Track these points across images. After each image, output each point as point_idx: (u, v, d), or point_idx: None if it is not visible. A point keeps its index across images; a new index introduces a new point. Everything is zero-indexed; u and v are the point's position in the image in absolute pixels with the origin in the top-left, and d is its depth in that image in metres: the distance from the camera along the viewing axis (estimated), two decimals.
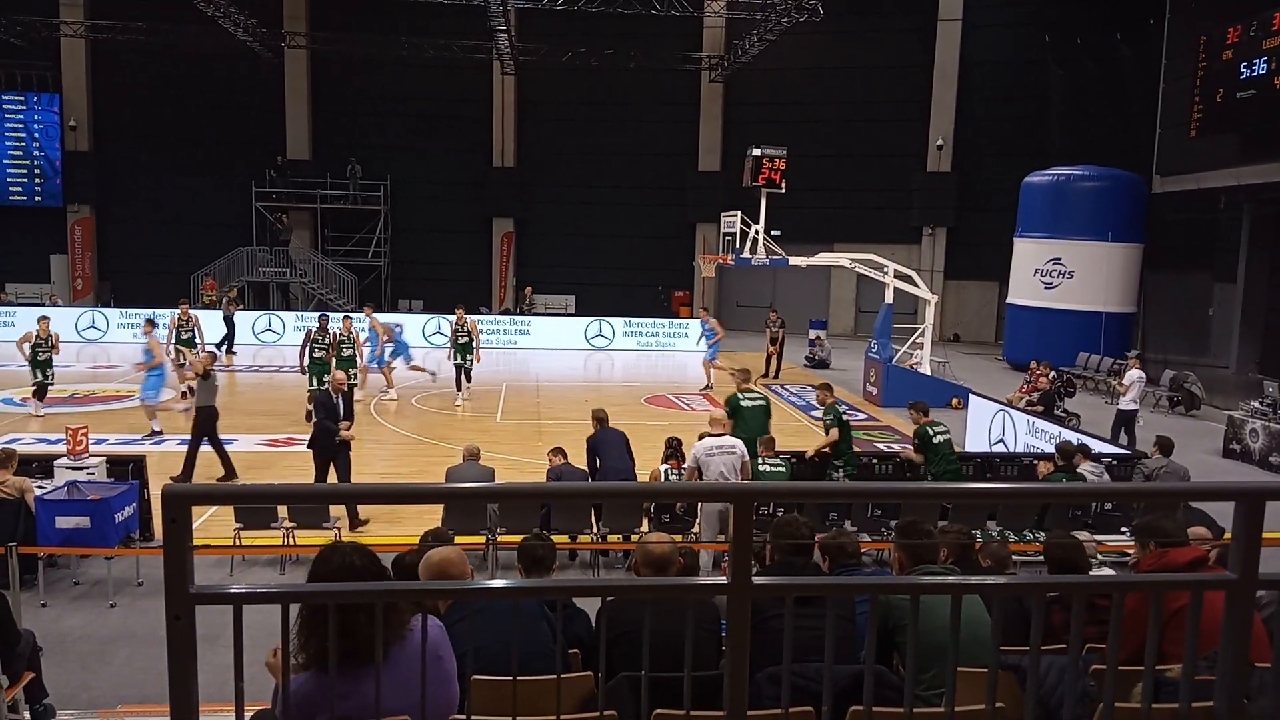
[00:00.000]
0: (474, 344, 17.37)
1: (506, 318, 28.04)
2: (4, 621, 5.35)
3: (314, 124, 30.92)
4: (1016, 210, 24.44)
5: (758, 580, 2.08)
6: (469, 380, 17.60)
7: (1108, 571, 7.23)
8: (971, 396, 16.03)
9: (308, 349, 15.52)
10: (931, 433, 10.21)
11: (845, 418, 10.91)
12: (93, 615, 8.06)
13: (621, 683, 3.31)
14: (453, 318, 18.22)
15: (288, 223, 30.33)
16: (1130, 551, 7.73)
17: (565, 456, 9.58)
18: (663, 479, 9.83)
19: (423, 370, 18.58)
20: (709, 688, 2.98)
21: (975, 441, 14.50)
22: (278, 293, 29.61)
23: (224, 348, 22.74)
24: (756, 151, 20.07)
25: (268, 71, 29.82)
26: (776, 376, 21.65)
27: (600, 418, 10.33)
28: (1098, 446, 11.33)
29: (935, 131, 30.04)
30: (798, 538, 4.32)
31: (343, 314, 16.52)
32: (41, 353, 15.37)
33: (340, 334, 15.74)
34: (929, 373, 19.39)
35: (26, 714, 5.58)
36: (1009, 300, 25.07)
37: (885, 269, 19.43)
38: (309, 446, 10.64)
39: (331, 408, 10.44)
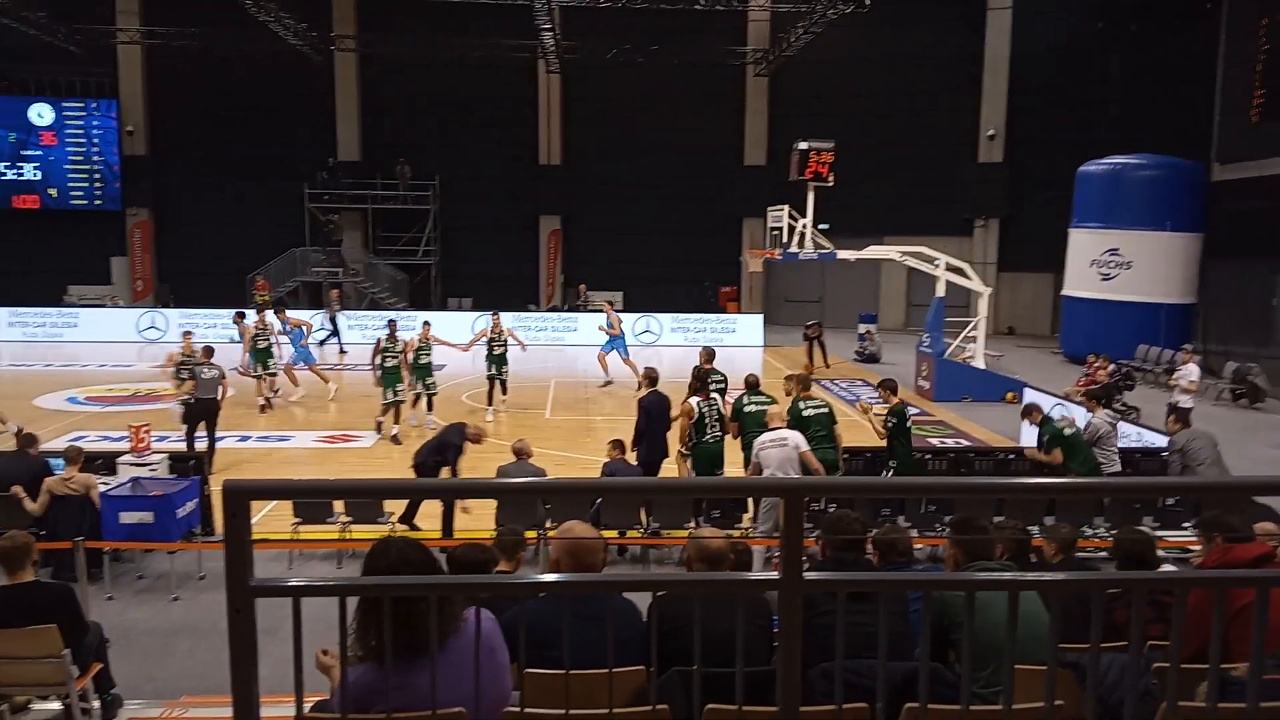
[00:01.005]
0: (505, 352, 16.23)
1: (554, 314, 28.20)
2: (73, 614, 5.50)
3: (363, 125, 31.32)
4: (1071, 200, 23.96)
5: (809, 575, 2.07)
6: (504, 393, 16.34)
7: (1170, 568, 7.07)
8: (1027, 390, 15.77)
9: (379, 358, 14.47)
10: (906, 414, 10.16)
11: (910, 424, 10.52)
12: (156, 608, 8.28)
13: (673, 677, 3.31)
14: (487, 322, 17.34)
15: (339, 223, 30.78)
16: (1195, 547, 7.56)
17: (623, 450, 9.61)
18: (695, 413, 9.89)
19: (326, 381, 17.36)
20: (761, 683, 2.97)
21: (1031, 436, 14.24)
22: (330, 292, 30.06)
23: (327, 345, 23.49)
24: (803, 145, 19.91)
25: (318, 74, 30.26)
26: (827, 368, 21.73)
27: (652, 378, 10.47)
28: (1158, 441, 11.08)
29: (986, 121, 29.57)
30: (850, 533, 4.29)
31: (422, 320, 15.51)
32: (185, 370, 13.12)
33: (419, 340, 14.95)
34: (982, 366, 19.10)
35: (95, 703, 5.73)
36: (1065, 292, 24.59)
37: (936, 262, 19.18)
38: (415, 470, 9.81)
39: (459, 449, 9.91)
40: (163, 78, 30.65)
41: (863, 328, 24.55)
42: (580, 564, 3.74)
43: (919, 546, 9.16)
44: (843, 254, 20.00)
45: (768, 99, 31.09)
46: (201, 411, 12.49)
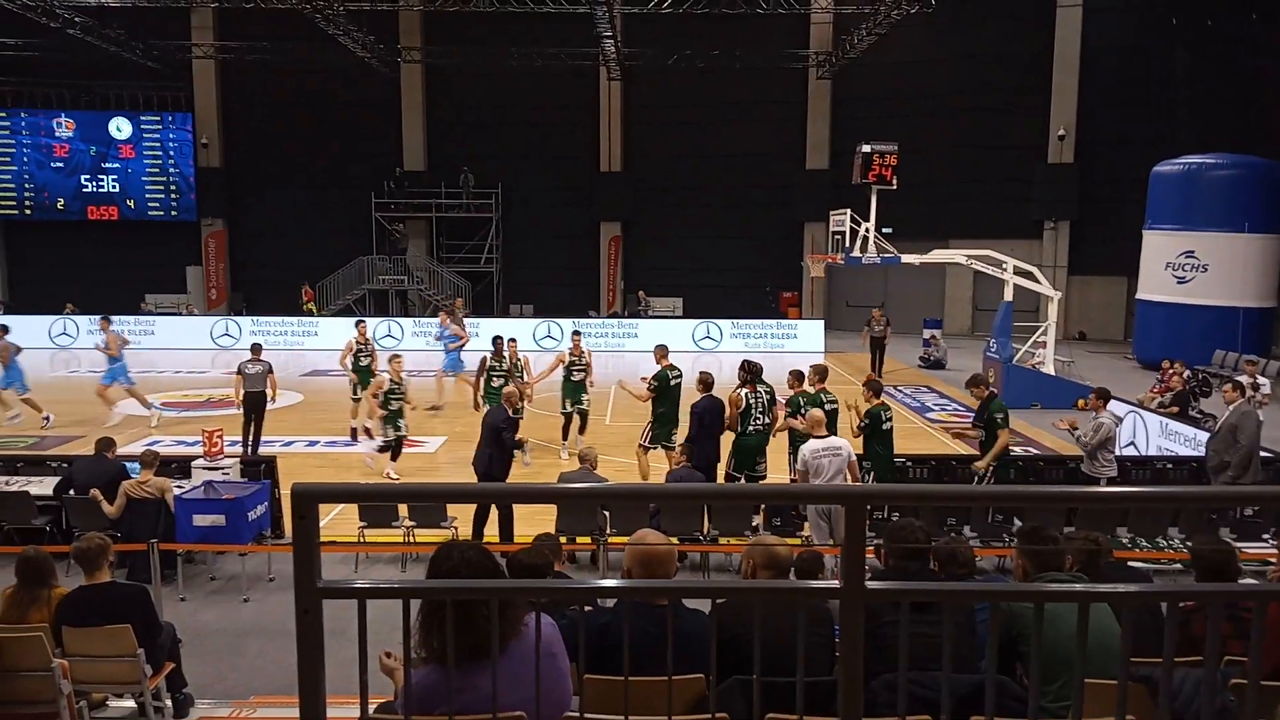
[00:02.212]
0: (525, 376, 14.29)
1: (615, 321, 28.31)
2: (147, 614, 5.64)
3: (428, 135, 31.85)
4: (1145, 202, 23.31)
5: (871, 585, 2.04)
6: (583, 430, 14.27)
7: (1251, 581, 6.82)
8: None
9: (483, 378, 13.78)
10: (883, 417, 9.83)
11: (888, 426, 10.11)
12: (227, 609, 8.48)
13: (733, 685, 3.29)
14: (564, 346, 16.05)
15: (405, 231, 31.31)
16: (1275, 560, 7.29)
17: (690, 457, 9.59)
18: (742, 403, 10.00)
19: (147, 405, 15.95)
20: (822, 693, 2.94)
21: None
22: (396, 300, 30.61)
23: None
24: (866, 148, 19.70)
25: (385, 86, 30.85)
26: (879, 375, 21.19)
27: (706, 382, 10.49)
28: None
29: (1056, 121, 28.93)
30: (913, 542, 4.22)
31: (507, 337, 14.28)
32: (395, 400, 12.29)
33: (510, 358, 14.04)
34: (1052, 372, 18.68)
35: (168, 701, 5.87)
36: (1138, 296, 23.91)
37: (1004, 265, 18.81)
38: (484, 475, 9.82)
39: (514, 424, 10.09)
40: (236, 91, 31.57)
41: (927, 333, 24.17)
42: (652, 573, 3.73)
43: (985, 557, 9.00)
44: (907, 258, 19.73)
45: (830, 102, 30.85)
46: (250, 405, 13.32)
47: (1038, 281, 18.94)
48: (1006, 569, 8.74)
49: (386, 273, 30.41)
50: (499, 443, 9.76)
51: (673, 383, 11.72)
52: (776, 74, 29.67)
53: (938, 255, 20.40)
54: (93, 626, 5.30)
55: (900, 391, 19.49)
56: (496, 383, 13.50)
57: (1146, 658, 3.17)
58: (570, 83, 30.53)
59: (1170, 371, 16.40)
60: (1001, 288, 18.99)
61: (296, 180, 31.22)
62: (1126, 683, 2.08)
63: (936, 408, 18.06)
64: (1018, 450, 14.15)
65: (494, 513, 9.55)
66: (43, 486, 9.74)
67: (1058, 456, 12.68)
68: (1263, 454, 11.34)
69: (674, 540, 6.34)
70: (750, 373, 10.47)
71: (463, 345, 17.98)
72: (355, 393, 14.76)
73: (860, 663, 2.04)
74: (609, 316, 29.69)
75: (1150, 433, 13.03)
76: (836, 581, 2.04)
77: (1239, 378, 12.85)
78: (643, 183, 31.51)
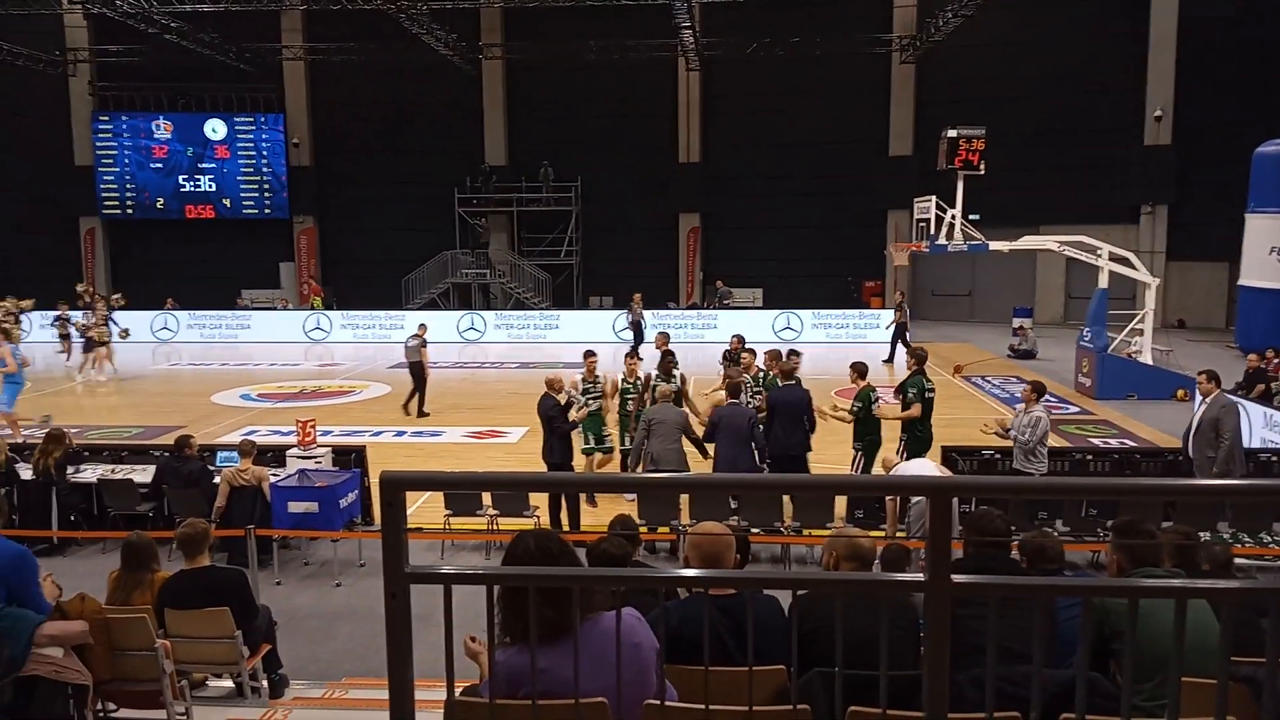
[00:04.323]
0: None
1: (694, 311, 28.28)
2: (244, 597, 5.84)
3: (509, 130, 32.21)
4: (1247, 184, 22.26)
5: (957, 578, 2.00)
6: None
7: None
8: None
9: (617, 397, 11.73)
10: (872, 398, 10.03)
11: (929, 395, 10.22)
12: (320, 593, 8.75)
13: (815, 678, 3.27)
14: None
15: (487, 225, 31.77)
16: None
17: (737, 395, 9.80)
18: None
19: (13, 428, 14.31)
20: (906, 687, 2.89)
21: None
22: (479, 293, 31.10)
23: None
24: (952, 133, 19.24)
25: (466, 82, 31.30)
26: (890, 361, 21.51)
27: (786, 370, 10.42)
28: None
29: (1153, 102, 27.83)
30: (992, 532, 4.12)
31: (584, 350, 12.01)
32: (593, 398, 11.09)
33: (624, 377, 11.82)
34: (1150, 362, 18.01)
35: (264, 682, 6.06)
36: (1241, 282, 22.85)
37: (1099, 251, 18.19)
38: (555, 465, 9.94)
39: (564, 410, 10.07)
40: (324, 91, 32.41)
41: (1017, 322, 23.54)
42: (709, 564, 3.73)
43: (1078, 552, 8.75)
44: (995, 245, 19.22)
45: (914, 87, 30.22)
46: (411, 373, 16.31)
47: (1134, 268, 18.26)
48: (1101, 564, 8.48)
49: (469, 266, 30.90)
50: (554, 430, 9.93)
51: (873, 402, 10.25)
52: (858, 59, 29.19)
53: (1028, 242, 19.80)
54: (193, 609, 5.51)
55: (988, 382, 19.04)
56: (594, 404, 11.10)
57: (1248, 656, 3.05)
58: (649, 74, 30.51)
59: (1275, 361, 15.67)
60: (1096, 275, 18.38)
61: (382, 177, 31.92)
62: (1227, 682, 2.01)
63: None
64: (1113, 442, 13.74)
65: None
66: (146, 474, 10.18)
67: (1155, 448, 12.25)
68: None
69: (745, 530, 6.32)
70: (859, 373, 10.40)
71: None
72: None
73: (946, 657, 2.01)
74: (688, 308, 29.65)
75: (1254, 424, 12.46)
76: (921, 575, 2.01)
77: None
78: (722, 173, 31.35)
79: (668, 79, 31.02)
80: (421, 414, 16.19)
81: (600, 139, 31.30)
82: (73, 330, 21.24)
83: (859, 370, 10.34)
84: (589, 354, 11.61)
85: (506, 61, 31.35)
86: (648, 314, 25.20)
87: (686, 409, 10.52)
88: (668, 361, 11.56)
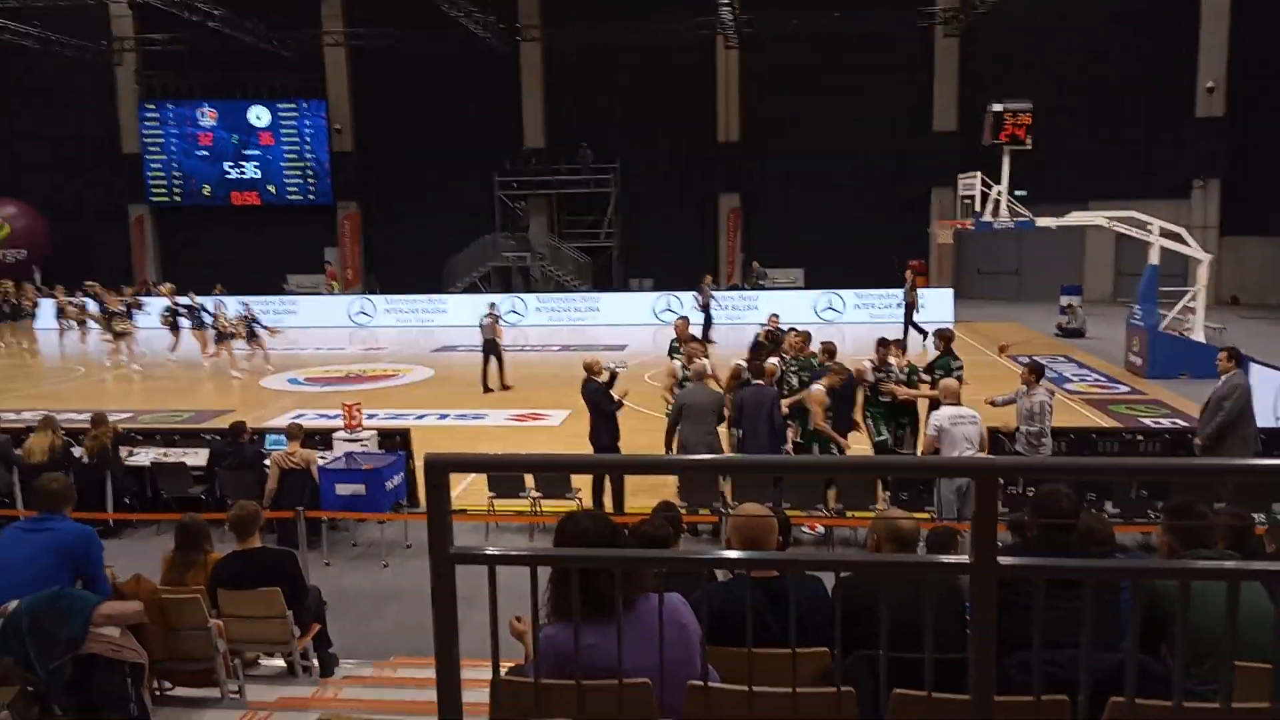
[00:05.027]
0: None
1: (735, 293, 28.15)
2: (295, 578, 5.96)
3: (547, 112, 32.20)
4: None
5: (1004, 560, 1.98)
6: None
7: None
8: (1252, 365, 14.42)
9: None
10: (952, 365, 10.10)
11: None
12: (368, 574, 8.89)
13: (859, 660, 3.26)
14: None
15: (526, 208, 31.85)
16: None
17: (760, 375, 9.70)
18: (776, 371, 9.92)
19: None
20: (951, 670, 2.88)
21: (1259, 416, 13.06)
22: (519, 276, 31.22)
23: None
24: (997, 107, 18.90)
25: (505, 65, 31.32)
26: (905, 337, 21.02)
27: (830, 351, 10.35)
28: None
29: (1205, 73, 27.09)
30: (1057, 513, 4.04)
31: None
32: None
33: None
34: (1202, 340, 17.60)
35: (315, 661, 6.19)
36: None
37: (1149, 227, 17.80)
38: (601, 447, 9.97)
39: (606, 391, 10.06)
40: (365, 77, 32.63)
41: (1065, 300, 23.11)
42: (751, 545, 3.72)
43: (1129, 534, 8.62)
44: (1042, 221, 18.90)
45: (958, 61, 29.70)
46: (484, 349, 17.23)
47: (1186, 244, 17.84)
48: (1152, 546, 8.35)
49: (509, 250, 31.02)
50: (600, 412, 9.93)
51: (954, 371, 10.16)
52: (900, 34, 28.73)
53: (1076, 218, 19.43)
54: (245, 589, 5.63)
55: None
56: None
57: None
58: (687, 54, 30.29)
59: None
60: (1146, 251, 17.99)
61: (423, 161, 32.09)
62: None
63: (1076, 378, 17.32)
64: (1165, 422, 13.48)
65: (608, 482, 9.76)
66: (198, 458, 10.40)
67: None
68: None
69: (785, 512, 6.30)
70: (885, 346, 10.35)
71: None
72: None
73: (992, 641, 1.99)
74: (729, 289, 29.52)
75: None
76: (966, 557, 2.00)
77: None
78: (761, 152, 31.08)
79: (706, 58, 30.78)
80: (504, 387, 17.06)
81: (639, 120, 31.17)
82: (183, 320, 21.44)
83: (945, 337, 10.42)
84: (682, 318, 12.91)
85: (544, 43, 31.30)
86: (685, 296, 25.00)
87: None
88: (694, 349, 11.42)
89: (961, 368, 10.20)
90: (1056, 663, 2.84)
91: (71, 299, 25.20)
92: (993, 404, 9.74)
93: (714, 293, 24.13)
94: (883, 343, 10.51)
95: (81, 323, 24.39)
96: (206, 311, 20.68)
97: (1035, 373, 9.24)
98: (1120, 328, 18.86)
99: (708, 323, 22.69)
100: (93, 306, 24.56)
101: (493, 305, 18.44)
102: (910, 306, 22.12)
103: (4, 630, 4.17)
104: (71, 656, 4.20)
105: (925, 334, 21.24)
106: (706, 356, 10.99)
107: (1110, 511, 8.50)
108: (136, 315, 22.37)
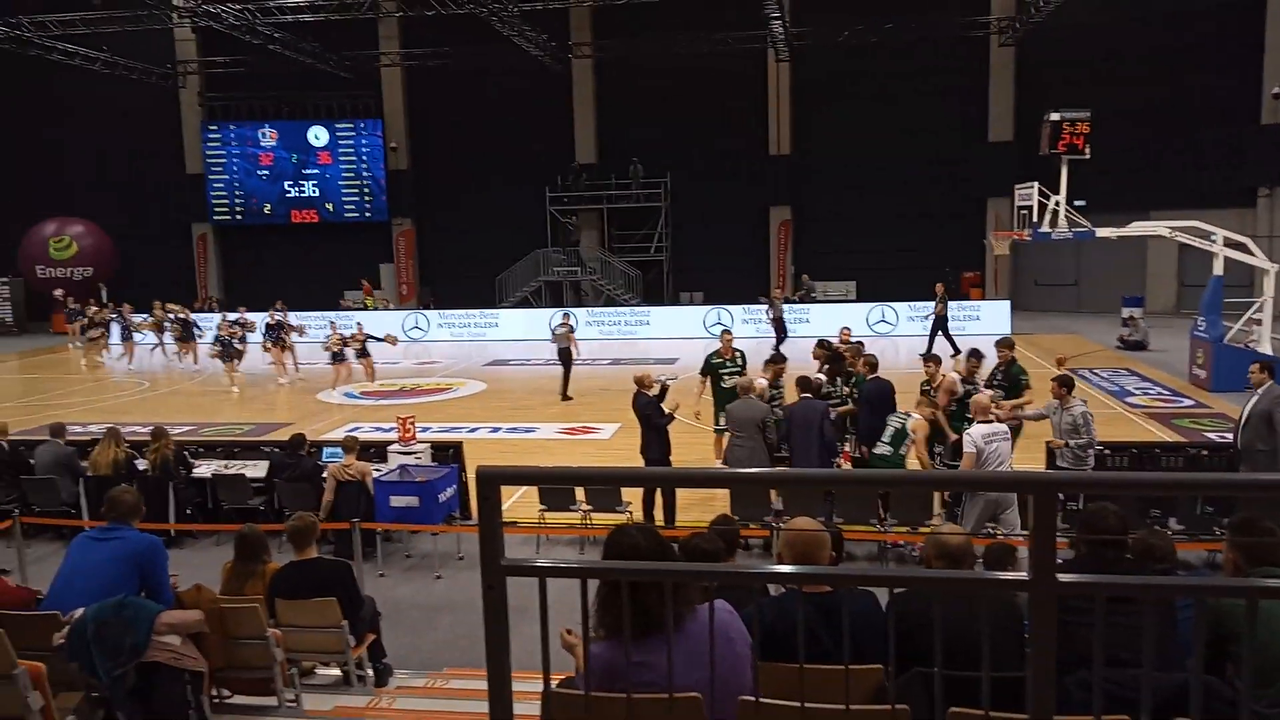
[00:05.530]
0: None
1: (786, 306, 27.95)
2: (350, 588, 6.03)
3: (599, 128, 32.41)
4: None
5: (1063, 577, 1.94)
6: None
7: None
8: None
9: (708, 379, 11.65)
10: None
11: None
12: (421, 585, 8.98)
13: (915, 678, 3.21)
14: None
15: (577, 223, 32.05)
16: None
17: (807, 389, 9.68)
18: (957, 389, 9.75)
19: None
20: (1009, 689, 2.82)
21: None
22: (570, 291, 31.40)
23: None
24: (1055, 116, 18.59)
25: (556, 82, 31.61)
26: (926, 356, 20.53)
27: (872, 363, 10.25)
28: None
29: (1270, 78, 26.36)
30: (1105, 530, 3.97)
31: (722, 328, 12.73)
32: (729, 373, 11.25)
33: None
34: (1269, 352, 17.08)
35: (370, 671, 6.25)
36: None
37: (1213, 237, 17.36)
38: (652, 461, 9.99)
39: (658, 406, 10.09)
40: (420, 96, 33.16)
41: (1126, 312, 22.59)
42: (803, 560, 3.68)
43: (1192, 550, 8.39)
44: (1102, 232, 18.52)
45: (1014, 70, 29.30)
46: (559, 357, 17.79)
47: (1251, 253, 17.36)
48: (1218, 564, 8.11)
49: (560, 264, 31.22)
50: (651, 425, 9.94)
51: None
52: (954, 44, 28.45)
53: (1137, 228, 19.02)
54: (302, 599, 5.72)
55: (1097, 375, 18.35)
56: (729, 382, 11.11)
57: None
58: (738, 67, 30.30)
59: None
60: (1210, 261, 17.54)
61: (476, 178, 32.48)
62: None
63: (1138, 392, 16.91)
64: (1230, 437, 13.08)
65: (660, 496, 9.75)
66: (257, 470, 10.60)
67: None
68: None
69: (838, 526, 6.24)
70: (976, 357, 10.39)
71: None
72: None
73: (1052, 659, 1.95)
74: (765, 303, 29.32)
75: None
76: (1024, 574, 1.96)
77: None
78: (813, 164, 30.94)
79: (757, 70, 30.75)
80: (565, 398, 17.35)
81: (690, 133, 31.22)
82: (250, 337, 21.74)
83: (1008, 343, 10.47)
84: (725, 332, 12.58)
85: (596, 59, 31.55)
86: (735, 309, 24.85)
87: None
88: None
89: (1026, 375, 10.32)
90: (1117, 682, 2.78)
91: (171, 313, 25.01)
92: (1026, 419, 9.56)
93: (784, 306, 23.88)
94: (974, 354, 10.38)
95: (186, 337, 23.89)
96: (278, 329, 20.99)
97: (1065, 385, 9.10)
98: (1184, 340, 18.39)
99: (781, 337, 22.22)
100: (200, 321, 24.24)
101: (566, 315, 18.95)
102: (939, 320, 21.83)
103: (70, 637, 4.29)
104: (134, 663, 4.30)
105: (958, 350, 20.89)
106: (770, 374, 11.00)
107: (1175, 528, 8.28)
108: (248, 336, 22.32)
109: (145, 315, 25.41)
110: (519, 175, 31.79)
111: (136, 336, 25.42)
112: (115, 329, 25.99)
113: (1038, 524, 1.94)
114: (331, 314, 27.54)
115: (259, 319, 22.02)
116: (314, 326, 29.07)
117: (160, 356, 24.35)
